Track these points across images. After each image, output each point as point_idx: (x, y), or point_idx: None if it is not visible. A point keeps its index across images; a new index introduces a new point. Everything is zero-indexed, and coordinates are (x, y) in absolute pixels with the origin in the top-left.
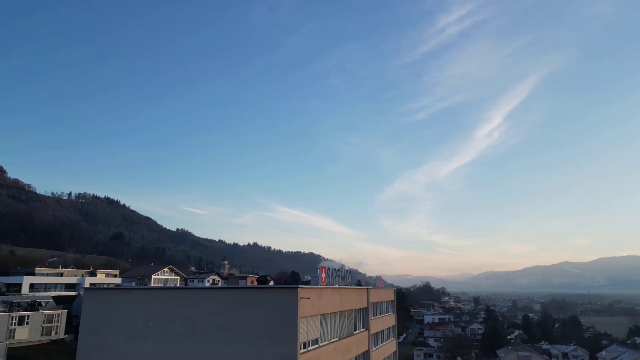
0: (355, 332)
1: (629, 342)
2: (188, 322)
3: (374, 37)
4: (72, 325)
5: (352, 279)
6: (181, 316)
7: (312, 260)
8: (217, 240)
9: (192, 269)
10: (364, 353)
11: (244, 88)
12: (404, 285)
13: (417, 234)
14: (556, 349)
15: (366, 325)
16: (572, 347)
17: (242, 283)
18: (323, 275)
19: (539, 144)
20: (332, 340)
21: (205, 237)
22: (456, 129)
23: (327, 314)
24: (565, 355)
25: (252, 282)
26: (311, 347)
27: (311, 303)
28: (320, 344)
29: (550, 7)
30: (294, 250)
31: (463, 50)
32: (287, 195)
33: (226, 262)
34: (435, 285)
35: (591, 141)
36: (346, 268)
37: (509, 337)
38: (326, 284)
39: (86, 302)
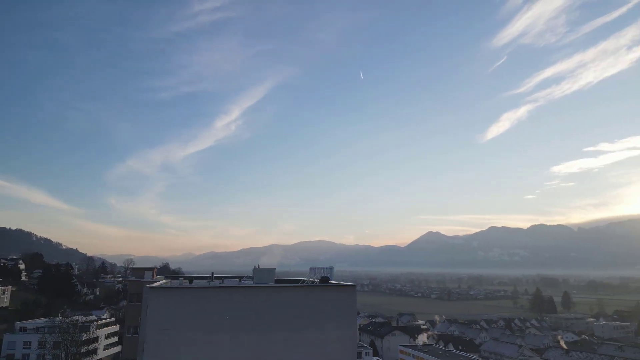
0: None
1: None
2: (261, 314)
3: (121, 1)
4: None
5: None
6: (255, 310)
7: (23, 239)
8: None
9: None
10: None
11: None
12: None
13: (146, 214)
14: None
15: None
16: None
17: (147, 274)
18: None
19: (264, 142)
20: None
21: None
22: (198, 116)
23: None
24: None
25: (154, 272)
26: None
27: None
28: None
29: (289, 24)
30: None
31: (213, 40)
32: None
33: None
34: (159, 265)
35: (307, 148)
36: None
37: None
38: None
39: (152, 300)
